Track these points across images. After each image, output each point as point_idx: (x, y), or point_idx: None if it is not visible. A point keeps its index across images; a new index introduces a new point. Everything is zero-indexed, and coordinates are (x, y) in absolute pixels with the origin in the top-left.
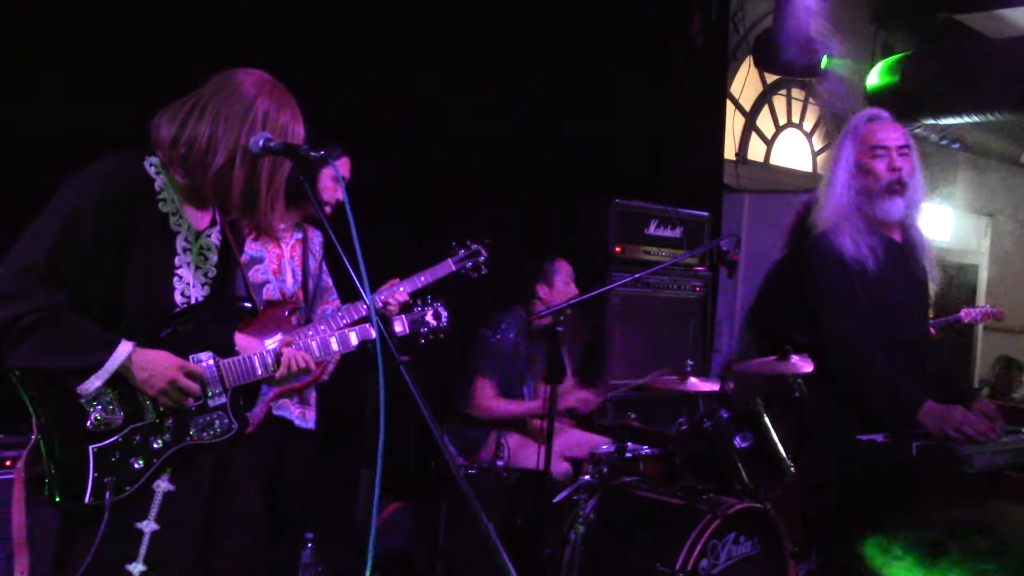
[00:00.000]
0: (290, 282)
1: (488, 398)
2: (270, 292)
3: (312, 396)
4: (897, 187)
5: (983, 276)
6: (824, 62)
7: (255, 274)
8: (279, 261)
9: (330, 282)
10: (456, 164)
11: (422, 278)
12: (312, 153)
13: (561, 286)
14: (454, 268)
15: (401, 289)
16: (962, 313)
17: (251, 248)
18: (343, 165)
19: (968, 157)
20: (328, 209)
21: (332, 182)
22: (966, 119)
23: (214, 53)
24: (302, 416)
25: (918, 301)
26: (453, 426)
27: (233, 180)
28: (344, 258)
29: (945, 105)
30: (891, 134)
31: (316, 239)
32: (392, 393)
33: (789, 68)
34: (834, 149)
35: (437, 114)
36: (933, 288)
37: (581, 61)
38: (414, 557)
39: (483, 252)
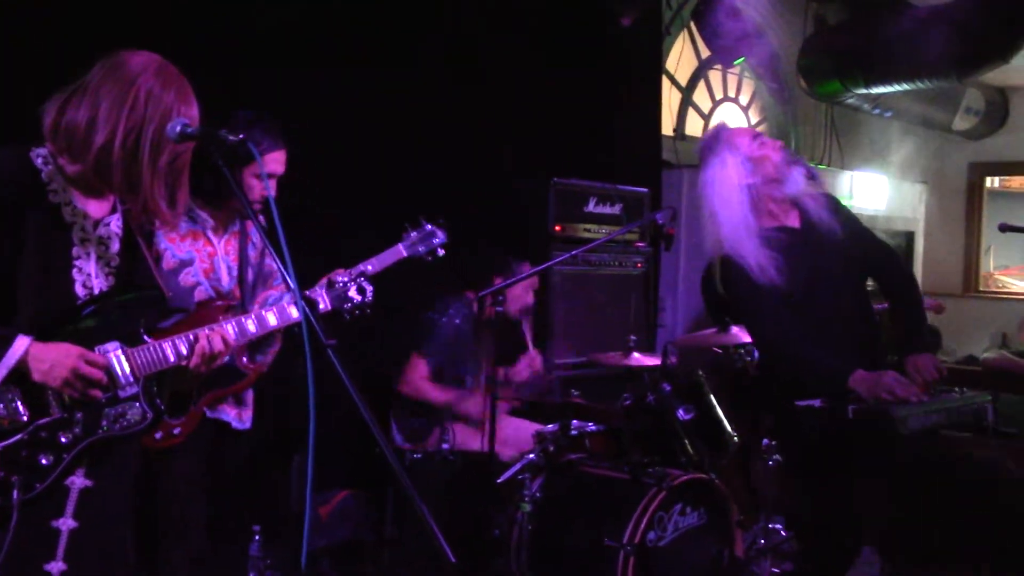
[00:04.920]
0: (225, 280)
1: (420, 377)
2: (202, 294)
3: (249, 396)
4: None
5: (919, 243)
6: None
7: (185, 277)
8: (211, 260)
9: (274, 266)
10: (391, 147)
11: (369, 266)
12: (231, 138)
13: (519, 291)
14: (405, 254)
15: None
16: None
17: (179, 251)
18: (276, 159)
19: (901, 125)
20: (257, 206)
21: (255, 180)
22: (898, 87)
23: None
24: (239, 417)
25: (840, 273)
26: (399, 413)
27: (113, 162)
28: (272, 253)
29: (877, 74)
30: (747, 130)
31: (255, 227)
32: (331, 379)
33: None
34: (710, 168)
35: (371, 94)
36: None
37: (516, 39)
38: (362, 546)
39: (439, 234)
